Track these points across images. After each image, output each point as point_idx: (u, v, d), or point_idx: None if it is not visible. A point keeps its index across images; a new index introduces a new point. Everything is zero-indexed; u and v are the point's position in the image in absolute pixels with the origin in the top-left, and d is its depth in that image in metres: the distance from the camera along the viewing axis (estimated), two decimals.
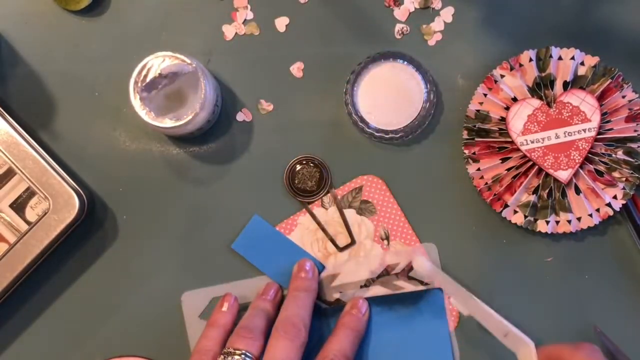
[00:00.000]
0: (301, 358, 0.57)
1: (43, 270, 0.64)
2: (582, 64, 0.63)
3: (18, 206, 0.63)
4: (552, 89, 0.62)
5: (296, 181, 0.64)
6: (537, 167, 0.62)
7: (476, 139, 0.63)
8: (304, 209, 0.65)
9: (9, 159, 0.61)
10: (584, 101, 0.62)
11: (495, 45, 0.64)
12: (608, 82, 0.62)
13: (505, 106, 0.63)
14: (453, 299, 0.63)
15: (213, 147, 0.65)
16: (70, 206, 0.61)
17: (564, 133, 0.62)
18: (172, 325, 0.64)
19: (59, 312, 0.64)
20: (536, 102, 0.62)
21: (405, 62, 0.63)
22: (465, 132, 0.63)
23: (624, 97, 0.62)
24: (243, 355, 0.57)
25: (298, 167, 0.64)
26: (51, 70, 0.65)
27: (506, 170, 0.63)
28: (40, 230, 0.60)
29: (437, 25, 0.65)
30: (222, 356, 0.57)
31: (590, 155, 0.62)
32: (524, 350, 0.58)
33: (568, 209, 0.62)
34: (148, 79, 0.60)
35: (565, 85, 0.62)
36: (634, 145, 0.62)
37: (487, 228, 0.64)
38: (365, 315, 0.62)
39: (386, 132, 0.63)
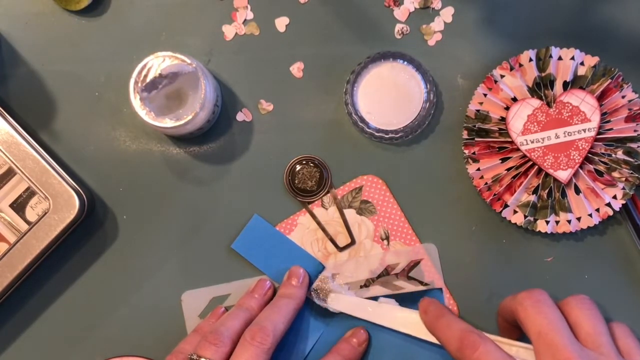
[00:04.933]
0: None
1: (43, 270, 0.64)
2: (582, 64, 0.63)
3: (18, 206, 0.63)
4: (552, 89, 0.62)
5: (296, 181, 0.64)
6: (537, 167, 0.62)
7: (476, 139, 0.63)
8: (304, 209, 0.65)
9: (9, 159, 0.61)
10: (584, 101, 0.62)
11: (495, 45, 0.64)
12: (608, 82, 0.62)
13: (505, 106, 0.63)
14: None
15: (213, 147, 0.65)
16: (70, 206, 0.61)
17: (564, 133, 0.62)
18: (172, 325, 0.64)
19: (59, 312, 0.64)
20: (536, 102, 0.62)
21: (405, 62, 0.63)
22: (465, 132, 0.63)
23: (623, 97, 0.62)
24: None
25: (298, 167, 0.64)
26: (51, 70, 0.65)
27: (506, 170, 0.63)
28: (40, 230, 0.60)
29: (437, 25, 0.65)
30: None
31: (590, 155, 0.62)
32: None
33: (568, 209, 0.62)
34: (148, 79, 0.60)
35: (565, 85, 0.62)
36: (633, 145, 0.62)
37: (487, 228, 0.64)
38: (362, 347, 0.62)
39: (386, 132, 0.63)
